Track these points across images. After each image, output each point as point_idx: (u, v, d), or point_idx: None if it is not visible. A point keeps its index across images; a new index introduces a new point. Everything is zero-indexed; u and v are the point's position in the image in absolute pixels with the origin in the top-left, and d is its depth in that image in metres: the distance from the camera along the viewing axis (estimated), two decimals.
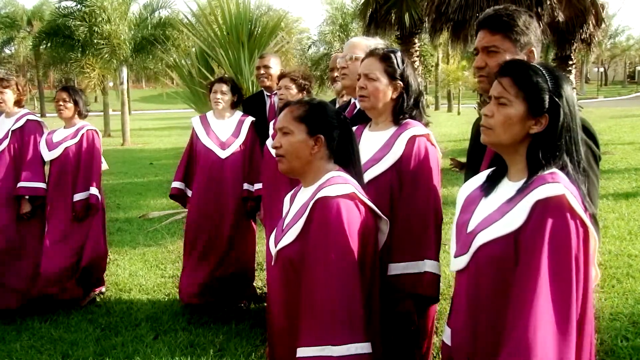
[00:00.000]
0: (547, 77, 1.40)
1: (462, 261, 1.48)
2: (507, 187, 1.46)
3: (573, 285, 1.29)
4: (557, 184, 1.33)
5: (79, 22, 17.87)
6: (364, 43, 2.51)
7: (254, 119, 3.98)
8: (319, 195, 1.68)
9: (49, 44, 19.42)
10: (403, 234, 2.00)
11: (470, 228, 1.48)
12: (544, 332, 1.26)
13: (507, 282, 1.35)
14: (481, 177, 1.60)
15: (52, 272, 3.85)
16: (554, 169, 1.39)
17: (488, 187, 1.53)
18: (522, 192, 1.38)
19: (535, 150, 1.41)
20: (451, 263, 1.54)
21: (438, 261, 2.10)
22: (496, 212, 1.43)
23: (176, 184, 4.01)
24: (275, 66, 3.97)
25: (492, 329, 1.38)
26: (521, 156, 1.44)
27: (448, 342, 1.59)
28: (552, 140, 1.39)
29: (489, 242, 1.39)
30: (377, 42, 2.51)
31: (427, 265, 2.05)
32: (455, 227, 1.57)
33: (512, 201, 1.39)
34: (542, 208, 1.32)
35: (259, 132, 3.85)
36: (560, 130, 1.39)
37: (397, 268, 2.03)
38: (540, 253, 1.29)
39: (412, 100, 2.19)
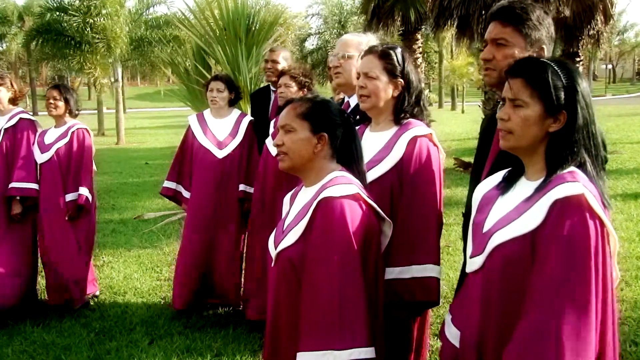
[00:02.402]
0: (559, 72, 1.40)
1: (477, 261, 1.47)
2: (524, 186, 1.46)
3: (592, 288, 1.28)
4: (576, 183, 1.33)
5: (73, 16, 17.86)
6: (355, 40, 2.50)
7: (252, 118, 3.97)
8: (323, 195, 1.68)
9: (40, 41, 19.41)
10: (401, 237, 1.99)
11: (486, 228, 1.48)
12: (559, 338, 1.26)
13: (523, 283, 1.34)
14: (498, 176, 1.60)
15: (66, 277, 3.91)
16: (573, 167, 1.38)
17: (505, 186, 1.53)
18: (540, 191, 1.38)
19: (554, 148, 1.40)
20: (467, 264, 1.54)
21: (439, 265, 2.09)
22: (513, 211, 1.42)
23: (168, 184, 4.01)
24: (283, 61, 3.93)
25: (506, 331, 1.37)
26: (539, 155, 1.43)
27: (454, 342, 1.59)
28: (570, 136, 1.39)
29: (506, 242, 1.39)
30: (369, 39, 2.49)
31: (428, 270, 2.04)
32: (472, 227, 1.57)
33: (530, 200, 1.39)
34: (561, 207, 1.32)
35: (261, 128, 3.83)
36: (579, 125, 1.39)
37: (392, 272, 2.02)
38: (557, 253, 1.29)
39: (413, 98, 2.17)
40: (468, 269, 1.53)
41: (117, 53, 18.33)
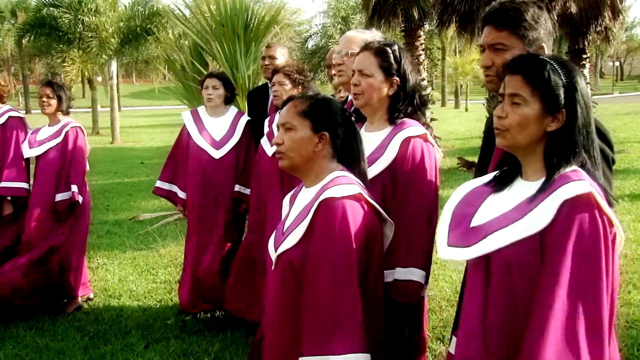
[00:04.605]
0: (559, 70, 1.40)
1: (462, 254, 1.46)
2: (523, 187, 1.46)
3: (603, 289, 1.29)
4: (583, 182, 1.33)
5: (64, 12, 17.87)
6: (360, 37, 2.49)
7: (249, 118, 3.96)
8: (324, 196, 1.67)
9: (33, 36, 19.42)
10: (393, 240, 1.97)
11: (476, 222, 1.47)
12: (582, 338, 1.26)
13: (529, 284, 1.34)
14: (488, 176, 1.60)
15: (28, 278, 3.83)
16: (575, 167, 1.39)
17: (498, 185, 1.52)
18: (544, 191, 1.38)
19: (553, 149, 1.40)
20: (440, 250, 1.52)
21: (424, 271, 2.09)
22: (514, 211, 1.42)
23: (160, 184, 3.98)
24: (281, 57, 3.92)
25: (511, 331, 1.37)
26: (538, 155, 1.43)
27: (451, 350, 1.59)
28: (570, 136, 1.39)
29: (513, 244, 1.38)
30: (374, 35, 2.48)
31: (411, 274, 2.05)
32: (451, 215, 1.55)
33: (534, 200, 1.38)
34: (570, 207, 1.32)
35: (259, 127, 3.82)
36: (579, 125, 1.39)
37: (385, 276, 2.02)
38: (569, 253, 1.29)
39: (409, 97, 2.17)
40: (441, 254, 1.51)
41: (108, 50, 18.26)
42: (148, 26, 17.84)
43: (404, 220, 2.04)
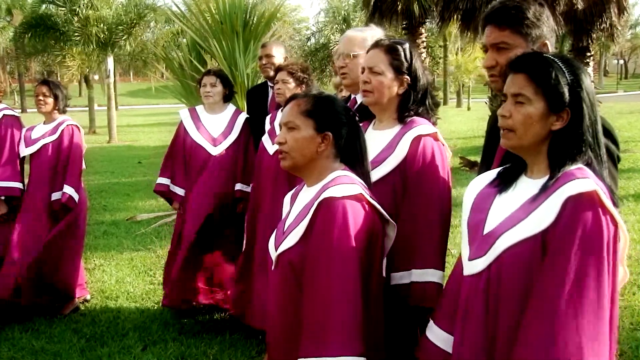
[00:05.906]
0: (564, 69, 1.40)
1: (480, 264, 1.46)
2: (527, 185, 1.46)
3: (605, 286, 1.29)
4: (588, 180, 1.33)
5: (59, 7, 17.87)
6: (360, 37, 2.49)
7: (247, 115, 3.97)
8: (324, 195, 1.67)
9: (31, 36, 19.42)
10: (404, 240, 1.97)
11: (488, 229, 1.47)
12: (580, 337, 1.26)
13: (530, 283, 1.34)
14: (490, 174, 1.60)
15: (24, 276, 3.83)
16: (580, 165, 1.39)
17: (503, 184, 1.52)
18: (547, 189, 1.38)
19: (558, 148, 1.40)
20: (465, 267, 1.53)
21: (443, 270, 2.09)
22: (519, 211, 1.42)
23: (162, 180, 3.96)
24: (279, 55, 3.93)
25: (514, 335, 1.37)
26: (543, 155, 1.43)
27: (442, 345, 1.59)
28: (575, 135, 1.39)
29: (516, 244, 1.38)
30: (373, 33, 2.48)
31: (427, 275, 2.04)
32: (467, 227, 1.55)
33: (538, 199, 1.39)
34: (574, 204, 1.32)
35: (259, 125, 3.81)
36: (584, 124, 1.39)
37: (393, 278, 2.02)
38: (571, 252, 1.29)
39: (419, 96, 2.17)
40: (466, 272, 1.52)
41: (101, 42, 18.22)
42: (137, 22, 17.85)
43: (417, 220, 2.03)
